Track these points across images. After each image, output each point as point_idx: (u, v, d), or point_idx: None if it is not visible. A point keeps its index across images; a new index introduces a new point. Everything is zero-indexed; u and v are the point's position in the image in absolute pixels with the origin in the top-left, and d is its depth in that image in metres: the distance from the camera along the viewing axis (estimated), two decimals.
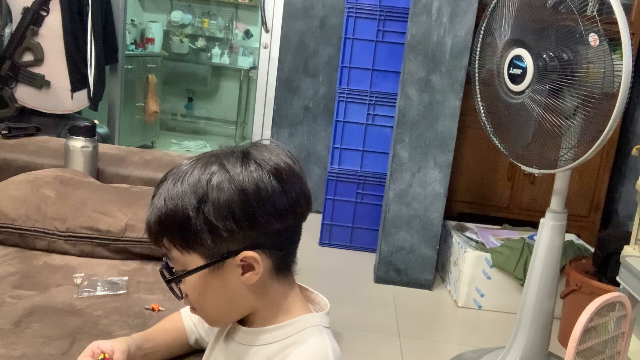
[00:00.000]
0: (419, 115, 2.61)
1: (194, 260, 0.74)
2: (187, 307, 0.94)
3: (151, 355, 0.93)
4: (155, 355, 0.94)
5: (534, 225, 2.26)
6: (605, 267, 2.18)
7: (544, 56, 1.67)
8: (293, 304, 0.79)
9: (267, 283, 0.76)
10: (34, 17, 2.55)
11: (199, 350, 0.97)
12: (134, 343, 0.89)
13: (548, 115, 1.69)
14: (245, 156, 0.74)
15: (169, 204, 0.73)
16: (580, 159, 1.66)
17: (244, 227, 0.72)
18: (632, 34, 1.59)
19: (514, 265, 2.47)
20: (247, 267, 0.74)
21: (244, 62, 5.91)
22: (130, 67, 4.51)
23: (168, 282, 0.77)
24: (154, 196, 0.77)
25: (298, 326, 0.77)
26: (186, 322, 0.97)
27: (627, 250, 1.93)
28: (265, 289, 0.77)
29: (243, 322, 0.81)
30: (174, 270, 0.77)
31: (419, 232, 2.70)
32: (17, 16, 2.55)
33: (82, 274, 1.34)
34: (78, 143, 1.77)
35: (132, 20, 5.33)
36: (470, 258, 2.52)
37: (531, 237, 2.65)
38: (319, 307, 0.83)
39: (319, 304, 0.83)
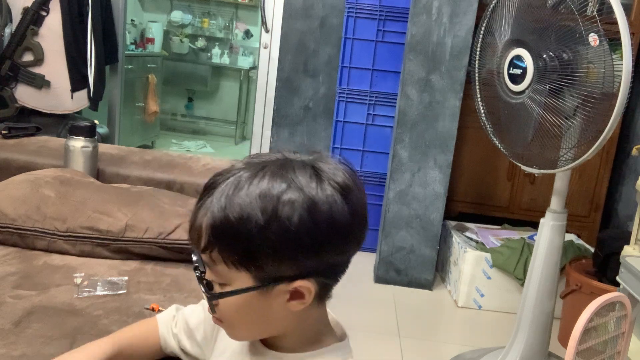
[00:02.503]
0: (419, 115, 2.61)
1: (242, 278, 0.67)
2: (164, 317, 0.91)
3: None
4: None
5: (534, 225, 2.26)
6: (605, 267, 2.18)
7: (544, 56, 1.67)
8: (324, 331, 0.75)
9: (307, 310, 0.70)
10: (34, 17, 2.54)
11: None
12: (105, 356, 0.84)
13: (548, 115, 1.69)
14: (317, 172, 0.66)
15: (230, 214, 0.64)
16: (580, 159, 1.66)
17: (308, 254, 0.65)
18: (632, 34, 1.60)
19: (514, 265, 2.47)
20: (295, 294, 0.68)
21: (244, 62, 5.91)
22: (130, 67, 4.51)
23: (211, 299, 0.69)
24: (205, 196, 0.68)
25: (328, 358, 0.73)
26: (162, 332, 0.90)
27: (627, 250, 1.93)
28: (305, 315, 0.71)
29: (267, 343, 0.76)
30: (205, 277, 0.69)
31: (419, 232, 2.69)
32: (17, 16, 2.55)
33: (82, 274, 1.34)
34: (78, 143, 1.77)
35: (132, 20, 5.34)
36: (470, 258, 2.52)
37: (531, 237, 2.65)
38: (335, 328, 0.79)
39: (332, 321, 0.79)
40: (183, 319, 0.89)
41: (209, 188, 0.68)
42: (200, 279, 0.69)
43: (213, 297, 0.69)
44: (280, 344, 0.74)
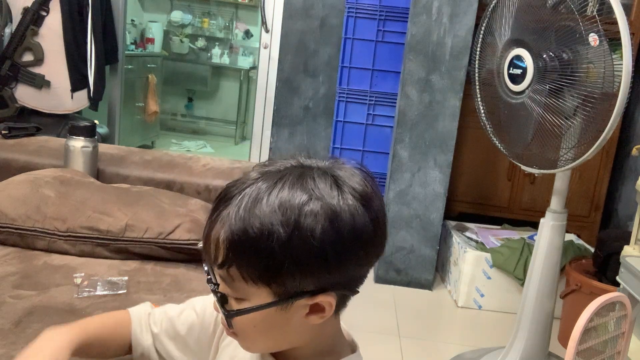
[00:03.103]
0: (419, 115, 2.61)
1: (261, 294, 0.64)
2: (138, 313, 0.87)
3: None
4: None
5: (534, 225, 2.26)
6: (605, 267, 2.18)
7: (544, 56, 1.67)
8: (338, 342, 0.74)
9: (325, 322, 0.68)
10: (34, 17, 2.54)
11: None
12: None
13: (548, 115, 1.69)
14: (336, 181, 0.64)
15: (250, 228, 0.61)
16: (580, 159, 1.66)
17: (331, 268, 0.63)
18: (632, 34, 1.60)
19: (514, 265, 2.47)
20: (315, 308, 0.65)
21: (244, 62, 5.91)
22: (130, 67, 4.51)
23: (230, 317, 0.66)
24: (220, 207, 0.65)
25: None
26: (135, 330, 0.86)
27: (627, 250, 1.93)
28: (322, 328, 0.69)
29: (279, 354, 0.73)
30: (221, 292, 0.66)
31: (419, 232, 2.69)
32: (17, 16, 2.55)
33: (82, 274, 1.34)
34: (78, 143, 1.77)
35: (132, 20, 5.34)
36: (470, 258, 2.52)
37: (531, 237, 2.65)
38: (346, 337, 0.78)
39: (343, 330, 0.78)
40: (168, 320, 0.85)
41: (224, 199, 0.65)
42: (215, 292, 0.67)
43: (231, 315, 0.66)
44: (294, 356, 0.71)
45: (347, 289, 0.67)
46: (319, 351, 0.71)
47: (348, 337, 0.76)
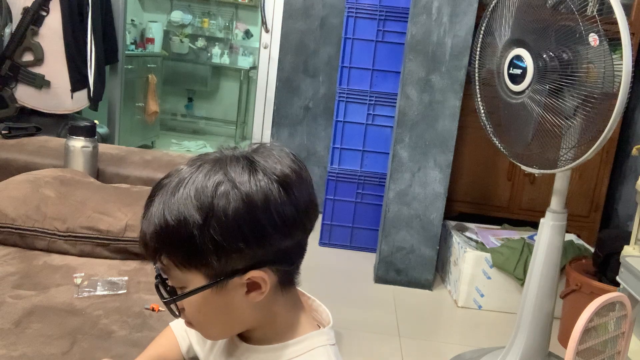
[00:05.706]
0: (419, 115, 2.61)
1: (196, 278, 0.68)
2: (176, 320, 0.91)
3: None
4: None
5: (534, 225, 2.26)
6: (605, 267, 2.18)
7: (544, 56, 1.67)
8: (298, 319, 0.75)
9: (272, 299, 0.71)
10: (34, 17, 2.55)
11: None
12: None
13: (548, 115, 1.69)
14: (251, 164, 0.67)
15: (169, 218, 0.65)
16: (580, 159, 1.66)
17: (251, 244, 0.66)
18: (632, 34, 1.60)
19: (514, 265, 2.48)
20: (252, 286, 0.69)
21: (244, 62, 5.91)
22: (130, 67, 4.51)
23: (167, 303, 0.70)
24: (148, 205, 0.70)
25: (305, 346, 0.73)
26: (177, 331, 0.92)
27: (627, 250, 1.93)
28: (270, 305, 0.72)
29: (245, 337, 0.76)
30: (169, 285, 0.70)
31: (419, 232, 2.69)
32: (17, 16, 2.55)
33: (82, 274, 1.35)
34: (78, 143, 1.77)
35: (132, 20, 5.34)
36: (470, 258, 2.52)
37: (531, 237, 2.65)
38: (317, 315, 0.79)
39: (317, 311, 0.80)
40: None
41: (150, 197, 0.70)
42: (157, 286, 0.71)
43: (168, 302, 0.70)
44: (256, 336, 0.75)
45: (278, 263, 0.69)
46: (279, 328, 0.74)
47: (324, 315, 0.78)
